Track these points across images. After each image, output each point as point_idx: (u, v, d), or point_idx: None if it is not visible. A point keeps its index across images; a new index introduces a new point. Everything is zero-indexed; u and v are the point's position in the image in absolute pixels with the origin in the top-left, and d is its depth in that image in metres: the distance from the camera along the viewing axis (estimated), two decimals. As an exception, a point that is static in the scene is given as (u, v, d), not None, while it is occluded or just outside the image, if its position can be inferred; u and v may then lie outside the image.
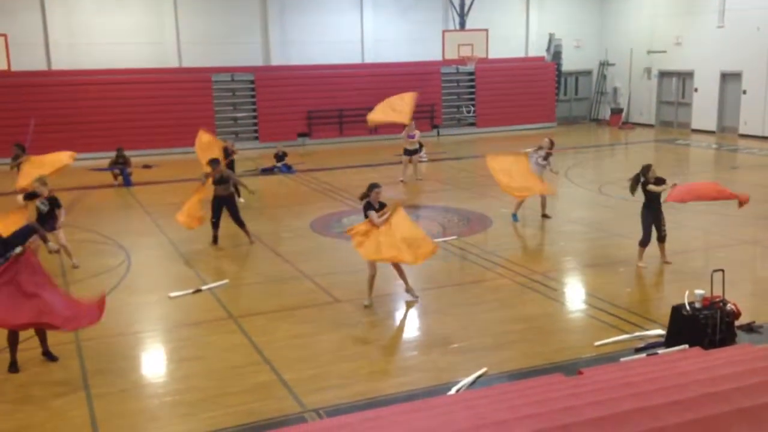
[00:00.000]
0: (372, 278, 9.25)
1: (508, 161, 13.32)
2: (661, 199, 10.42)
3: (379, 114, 16.78)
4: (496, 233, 12.96)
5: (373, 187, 9.21)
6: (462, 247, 11.98)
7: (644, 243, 10.55)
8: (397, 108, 16.37)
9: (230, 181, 12.36)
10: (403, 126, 17.56)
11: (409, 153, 17.89)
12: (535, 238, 13.06)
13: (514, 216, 13.53)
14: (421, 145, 21.43)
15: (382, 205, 9.23)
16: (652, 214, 10.45)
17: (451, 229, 13.26)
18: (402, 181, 17.64)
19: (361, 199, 9.31)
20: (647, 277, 10.39)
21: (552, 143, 13.72)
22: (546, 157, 13.52)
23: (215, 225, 12.30)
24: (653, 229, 10.47)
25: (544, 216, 13.61)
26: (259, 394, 6.95)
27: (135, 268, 11.21)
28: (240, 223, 12.37)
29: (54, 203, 10.98)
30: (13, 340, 7.59)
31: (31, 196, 10.97)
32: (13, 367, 7.57)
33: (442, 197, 16.28)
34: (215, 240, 12.32)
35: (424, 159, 21.09)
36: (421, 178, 18.30)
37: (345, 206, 15.36)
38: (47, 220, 10.84)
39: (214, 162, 12.49)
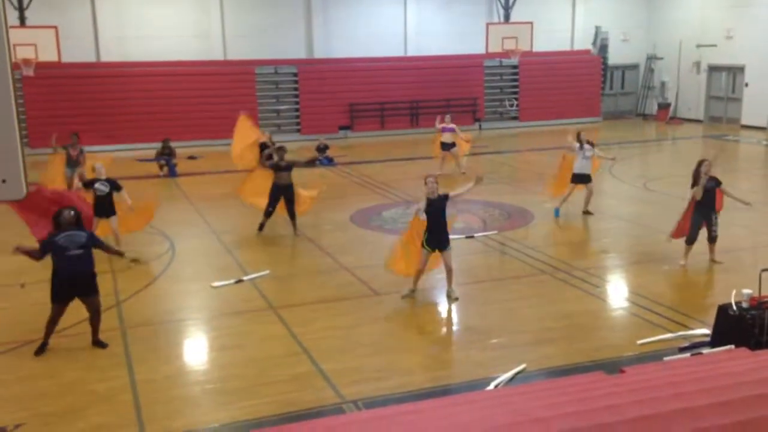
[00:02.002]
0: (419, 273, 9.20)
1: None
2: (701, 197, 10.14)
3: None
4: (537, 228, 12.84)
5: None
6: (502, 242, 11.90)
7: (689, 241, 10.32)
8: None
9: (291, 170, 12.28)
10: (441, 119, 17.75)
11: (446, 147, 17.77)
12: (577, 233, 12.90)
13: (557, 211, 13.38)
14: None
15: (441, 198, 9.06)
16: (701, 213, 10.20)
17: (491, 223, 13.18)
18: (439, 174, 17.46)
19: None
20: (693, 275, 10.18)
21: (578, 135, 13.36)
22: (582, 147, 13.15)
23: (268, 214, 12.33)
24: (705, 228, 10.24)
25: (586, 212, 13.42)
26: (298, 384, 7.02)
27: (179, 257, 11.41)
28: (292, 215, 12.40)
29: (113, 185, 11.24)
30: (51, 324, 7.73)
31: (90, 183, 11.25)
32: (41, 349, 7.71)
33: (482, 191, 16.01)
34: (261, 228, 12.41)
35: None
36: (464, 172, 18.18)
37: (385, 199, 15.38)
38: (105, 204, 11.09)
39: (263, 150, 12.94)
